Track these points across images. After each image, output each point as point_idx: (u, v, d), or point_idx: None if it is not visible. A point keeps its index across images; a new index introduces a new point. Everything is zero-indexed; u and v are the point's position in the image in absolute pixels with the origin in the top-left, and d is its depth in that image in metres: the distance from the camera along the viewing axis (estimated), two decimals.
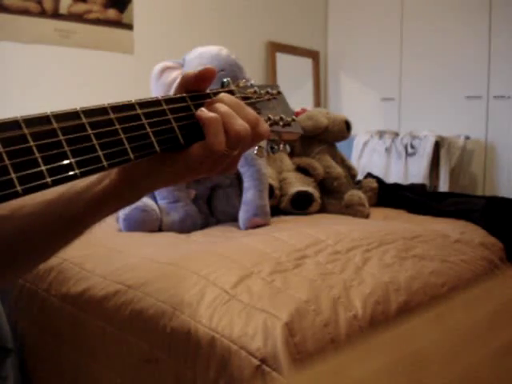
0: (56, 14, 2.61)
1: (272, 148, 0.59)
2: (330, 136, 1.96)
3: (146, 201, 1.55)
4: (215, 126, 0.48)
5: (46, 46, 2.58)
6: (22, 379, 1.26)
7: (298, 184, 1.79)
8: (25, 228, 0.52)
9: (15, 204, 0.51)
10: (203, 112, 0.49)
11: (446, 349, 0.19)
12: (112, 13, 2.84)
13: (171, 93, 0.51)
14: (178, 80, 0.51)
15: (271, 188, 1.71)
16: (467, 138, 3.29)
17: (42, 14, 2.56)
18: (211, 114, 0.48)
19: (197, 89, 0.51)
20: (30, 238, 0.52)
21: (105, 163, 0.41)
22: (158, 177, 0.50)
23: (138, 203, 1.49)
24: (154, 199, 1.59)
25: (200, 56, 1.54)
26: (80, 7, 2.71)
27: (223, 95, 0.51)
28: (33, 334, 1.29)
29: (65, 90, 2.62)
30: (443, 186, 3.12)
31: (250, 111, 0.52)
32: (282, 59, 3.78)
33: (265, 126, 0.53)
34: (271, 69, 3.72)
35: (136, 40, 2.94)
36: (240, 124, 0.49)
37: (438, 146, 3.16)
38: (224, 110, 0.49)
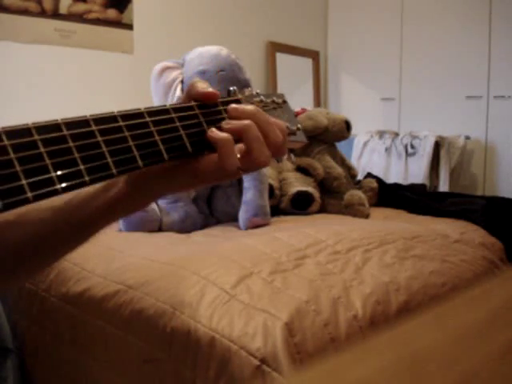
0: (56, 14, 2.61)
1: None
2: (329, 136, 1.96)
3: None
4: (227, 147, 0.46)
5: (45, 46, 2.58)
6: (22, 379, 1.26)
7: (297, 184, 1.79)
8: (32, 234, 0.52)
9: (21, 210, 0.51)
10: (213, 133, 0.48)
11: (446, 349, 0.19)
12: (112, 13, 2.84)
13: (173, 96, 0.51)
14: (180, 88, 0.51)
15: (271, 188, 1.71)
16: (467, 138, 3.29)
17: (42, 13, 2.56)
18: (222, 135, 0.47)
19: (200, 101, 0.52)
20: (37, 243, 0.52)
21: (114, 170, 0.41)
22: (170, 183, 0.50)
23: None
24: None
25: (200, 56, 1.54)
26: (80, 7, 2.71)
27: (250, 107, 0.50)
28: (33, 334, 1.29)
29: (65, 89, 2.62)
30: (443, 186, 3.12)
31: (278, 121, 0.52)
32: (282, 59, 3.78)
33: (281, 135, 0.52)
34: (271, 69, 3.72)
35: (136, 40, 2.94)
36: (277, 134, 0.49)
37: (437, 146, 3.15)
38: (262, 118, 0.49)
